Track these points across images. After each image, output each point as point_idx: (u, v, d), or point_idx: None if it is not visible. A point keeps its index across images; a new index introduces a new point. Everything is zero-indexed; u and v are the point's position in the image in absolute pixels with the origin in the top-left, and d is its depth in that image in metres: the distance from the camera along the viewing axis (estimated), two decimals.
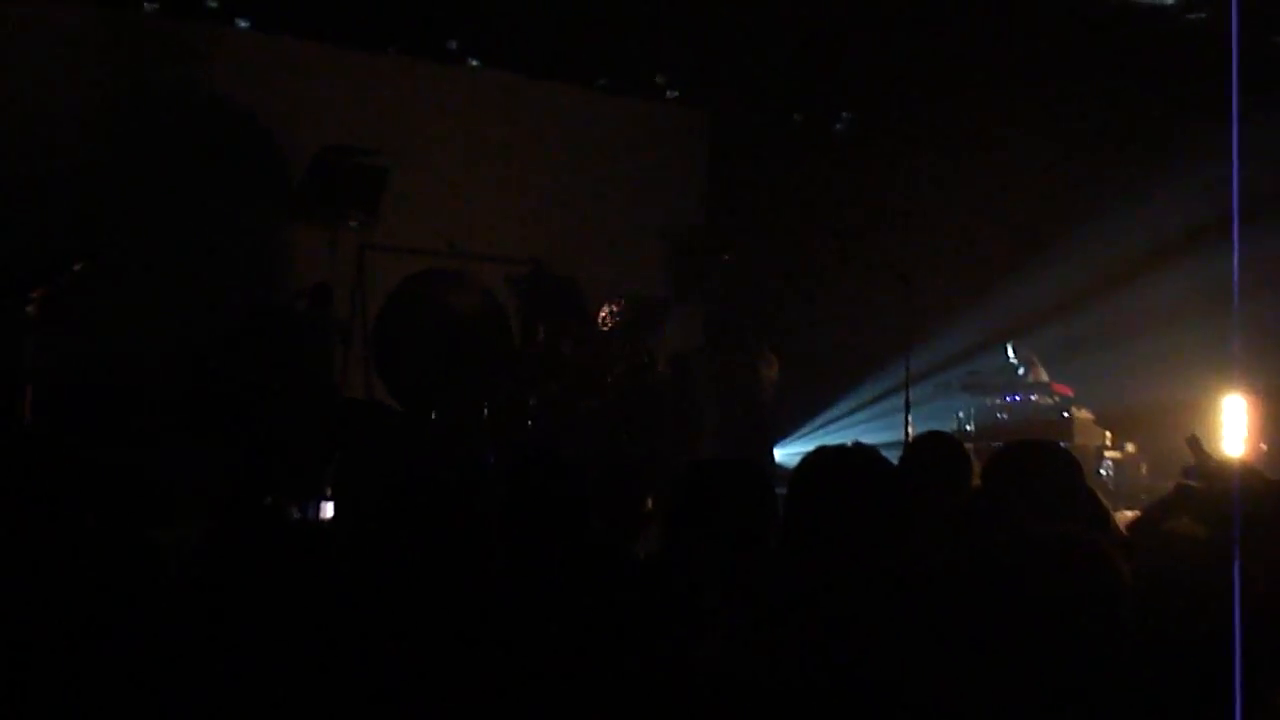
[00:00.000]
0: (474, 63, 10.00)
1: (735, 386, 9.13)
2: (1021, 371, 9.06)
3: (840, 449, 2.80)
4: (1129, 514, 4.15)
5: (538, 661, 2.32)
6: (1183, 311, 8.24)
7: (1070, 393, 8.83)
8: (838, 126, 10.72)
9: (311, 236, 9.04)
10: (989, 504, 3.26)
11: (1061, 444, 3.67)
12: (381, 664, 2.24)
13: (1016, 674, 2.13)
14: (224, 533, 2.39)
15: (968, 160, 9.77)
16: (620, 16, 8.99)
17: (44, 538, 2.49)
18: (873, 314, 9.39)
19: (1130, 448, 8.78)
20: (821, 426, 10.16)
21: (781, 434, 9.90)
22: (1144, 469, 8.65)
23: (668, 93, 10.66)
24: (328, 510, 6.93)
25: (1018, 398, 8.87)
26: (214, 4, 8.88)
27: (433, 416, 8.40)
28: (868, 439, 2.87)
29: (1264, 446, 7.79)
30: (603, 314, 9.02)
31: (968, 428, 8.85)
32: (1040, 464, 3.33)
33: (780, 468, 8.97)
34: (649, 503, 3.93)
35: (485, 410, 8.37)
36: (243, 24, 9.09)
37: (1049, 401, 8.82)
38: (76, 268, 6.82)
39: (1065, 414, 8.64)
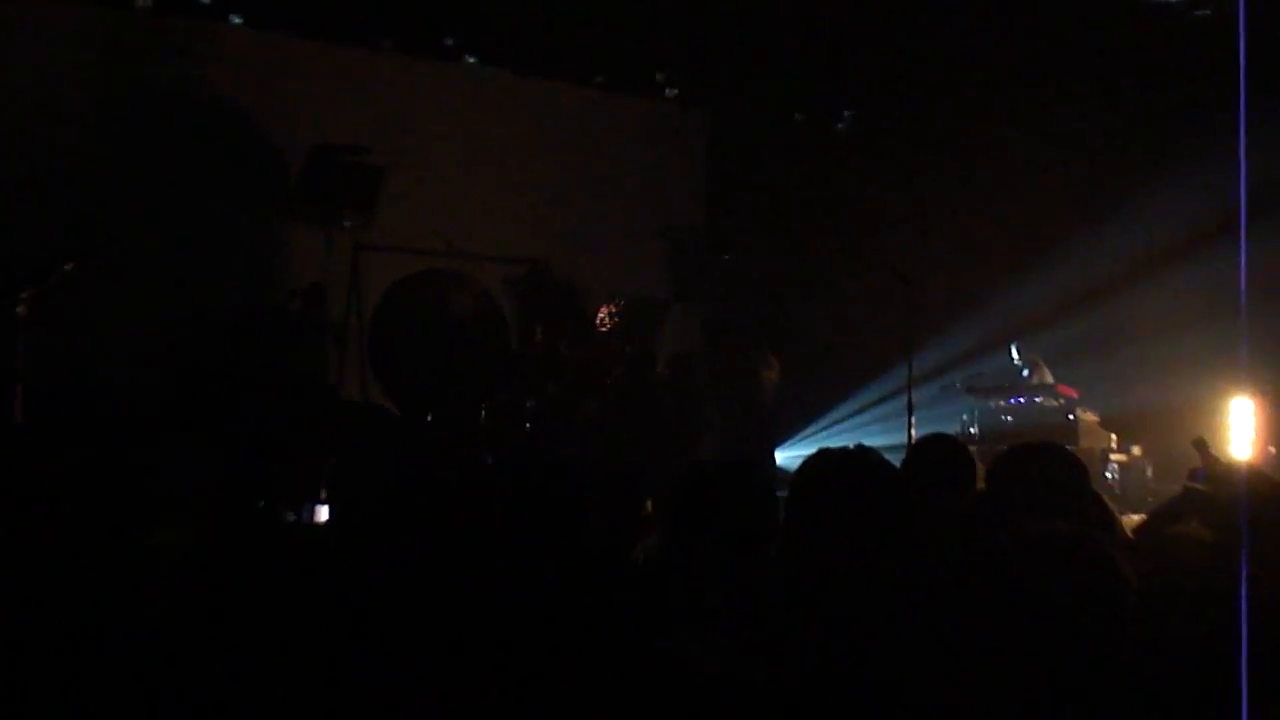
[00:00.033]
0: (471, 60, 10.00)
1: (735, 388, 9.14)
2: (1026, 373, 9.06)
3: (842, 452, 2.80)
4: (1135, 518, 4.15)
5: (536, 666, 2.33)
6: (1190, 312, 8.25)
7: (1075, 395, 8.84)
8: (839, 126, 10.73)
9: (306, 236, 9.04)
10: (993, 507, 3.27)
11: (1066, 447, 3.67)
12: (377, 668, 2.24)
13: (1018, 675, 2.14)
14: (218, 536, 2.40)
15: (972, 160, 9.77)
16: (619, 13, 8.99)
17: (36, 540, 2.49)
18: (875, 315, 9.40)
19: (1136, 451, 8.79)
20: (823, 429, 10.16)
21: (783, 436, 9.91)
22: (1150, 472, 8.65)
23: (667, 91, 10.66)
24: (322, 514, 6.93)
25: (1022, 400, 8.88)
26: (207, 0, 8.88)
27: (429, 419, 8.40)
28: (870, 442, 2.87)
29: (1272, 449, 7.79)
30: (601, 315, 9.03)
31: (971, 430, 8.85)
32: (1045, 467, 3.33)
33: (781, 471, 8.98)
34: (648, 506, 3.93)
35: (482, 413, 8.37)
36: (236, 20, 9.09)
37: (1054, 404, 8.83)
38: (68, 267, 6.82)
39: (1070, 416, 8.64)
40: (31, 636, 2.16)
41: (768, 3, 8.91)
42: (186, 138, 8.84)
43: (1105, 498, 3.49)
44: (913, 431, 7.69)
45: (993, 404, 8.98)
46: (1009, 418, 8.86)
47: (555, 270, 9.47)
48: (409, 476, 3.26)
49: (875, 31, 9.13)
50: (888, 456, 2.88)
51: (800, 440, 10.07)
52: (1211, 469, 3.77)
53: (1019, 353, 9.14)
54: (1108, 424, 8.78)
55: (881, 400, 9.64)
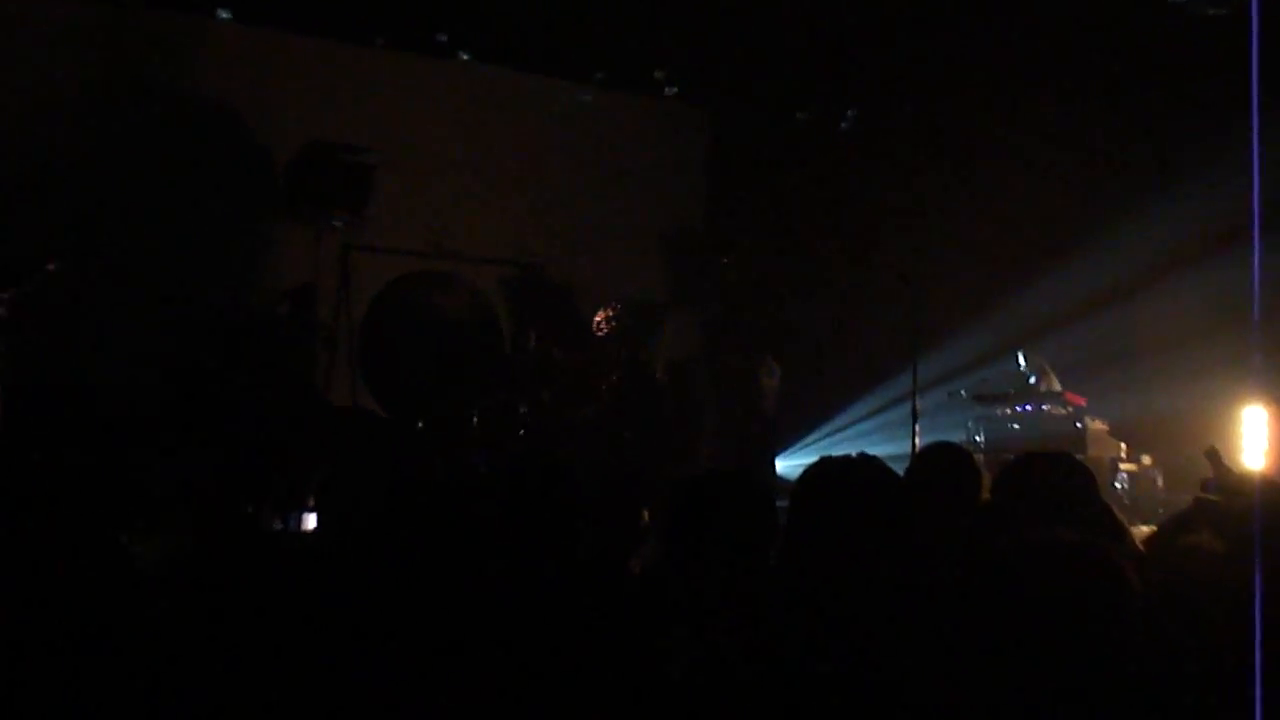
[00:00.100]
0: (465, 56, 10.01)
1: (735, 394, 9.14)
2: (1033, 380, 9.07)
3: (845, 460, 2.80)
4: (1145, 529, 4.16)
5: (530, 678, 2.33)
6: (1202, 318, 8.25)
7: (1084, 402, 8.84)
8: (843, 125, 10.73)
9: (295, 236, 9.04)
10: (999, 517, 3.27)
11: (1075, 456, 3.67)
12: (367, 680, 2.24)
13: (1021, 682, 2.14)
14: (203, 544, 2.39)
15: (978, 162, 9.78)
16: (618, 8, 9.00)
17: (15, 546, 2.49)
18: (879, 320, 9.40)
19: (1146, 460, 8.79)
20: (825, 437, 10.16)
21: (783, 444, 9.91)
22: (1160, 482, 8.65)
23: (667, 88, 10.66)
24: (310, 521, 6.93)
25: (1029, 408, 8.88)
26: None
27: (420, 424, 8.40)
28: (874, 450, 2.87)
29: None
30: (597, 319, 9.03)
31: (977, 438, 8.85)
32: (1053, 476, 3.33)
33: (782, 479, 8.98)
34: (645, 515, 3.93)
35: (475, 418, 8.37)
36: (224, 15, 9.09)
37: (1062, 412, 8.83)
38: (49, 268, 6.82)
39: (1079, 424, 8.64)
40: (12, 645, 2.16)
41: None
42: (173, 135, 8.83)
43: (1114, 508, 3.49)
44: (917, 440, 7.69)
45: (999, 412, 8.98)
46: (1015, 426, 8.86)
47: (551, 272, 9.47)
48: (399, 483, 3.26)
49: (880, 28, 9.15)
50: (891, 466, 2.88)
51: (801, 448, 10.07)
52: (1224, 479, 3.78)
53: (1026, 359, 9.14)
54: (1117, 432, 8.78)
55: (885, 407, 9.64)
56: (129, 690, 2.14)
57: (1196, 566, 2.65)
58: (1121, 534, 3.30)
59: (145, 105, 8.85)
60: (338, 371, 8.86)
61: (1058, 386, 9.00)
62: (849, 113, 10.62)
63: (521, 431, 8.28)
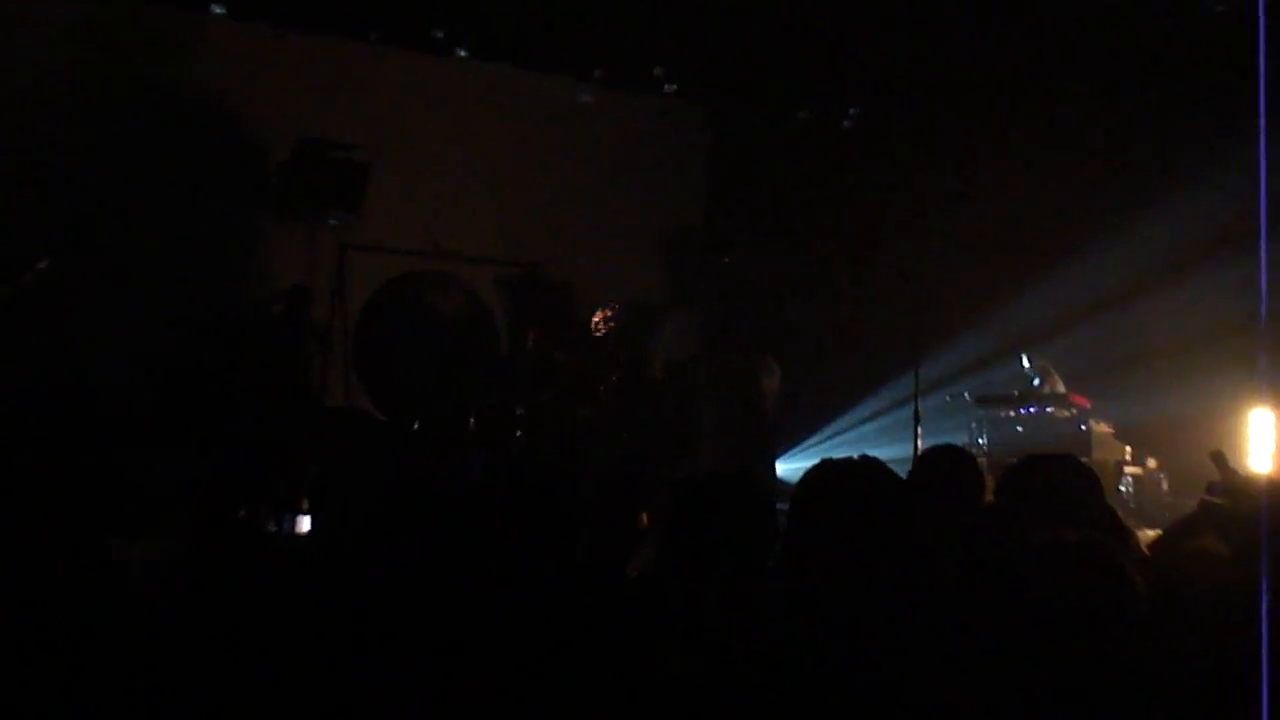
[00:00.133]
0: (462, 53, 10.01)
1: (735, 395, 9.14)
2: (1037, 382, 9.07)
3: (846, 462, 2.80)
4: (1150, 533, 4.16)
5: (526, 682, 2.33)
6: (1208, 319, 8.25)
7: (1088, 404, 8.84)
8: (845, 123, 10.73)
9: (289, 235, 9.04)
10: (1002, 521, 3.27)
11: (1079, 459, 3.67)
12: (361, 682, 2.24)
13: (1024, 684, 2.14)
14: (196, 547, 2.39)
15: (982, 161, 9.78)
16: (616, 5, 9.00)
17: (3, 550, 2.49)
18: (880, 320, 9.40)
19: (1152, 463, 8.79)
20: (827, 439, 10.16)
21: (784, 446, 9.91)
22: (1166, 485, 8.66)
23: (666, 86, 10.67)
24: (304, 524, 6.92)
25: (1033, 410, 8.88)
26: None
27: (416, 426, 8.40)
28: (875, 453, 2.86)
29: None
30: (595, 319, 9.03)
31: (980, 441, 8.86)
32: (1057, 479, 3.33)
33: (782, 482, 8.98)
34: (644, 518, 3.93)
35: (471, 420, 8.37)
36: (218, 10, 9.09)
37: (1066, 414, 8.83)
38: (40, 266, 6.82)
39: (1083, 427, 8.65)
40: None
41: None
42: (165, 132, 8.83)
43: (1119, 512, 3.49)
44: (919, 442, 7.69)
45: (1002, 414, 8.98)
46: (1019, 428, 8.87)
47: (549, 271, 9.47)
48: (394, 485, 3.26)
49: (883, 25, 9.14)
50: (893, 468, 2.88)
51: (802, 451, 10.07)
52: (1230, 482, 3.77)
53: (1030, 361, 9.14)
54: (1122, 435, 8.78)
55: (887, 409, 9.64)
56: (121, 693, 2.14)
57: (1202, 571, 2.65)
58: (1126, 538, 3.29)
59: (137, 102, 8.86)
60: (332, 372, 8.86)
61: (1062, 388, 9.00)
62: (851, 111, 10.63)
63: (519, 433, 8.29)
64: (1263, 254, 2.60)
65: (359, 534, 2.99)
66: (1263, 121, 2.60)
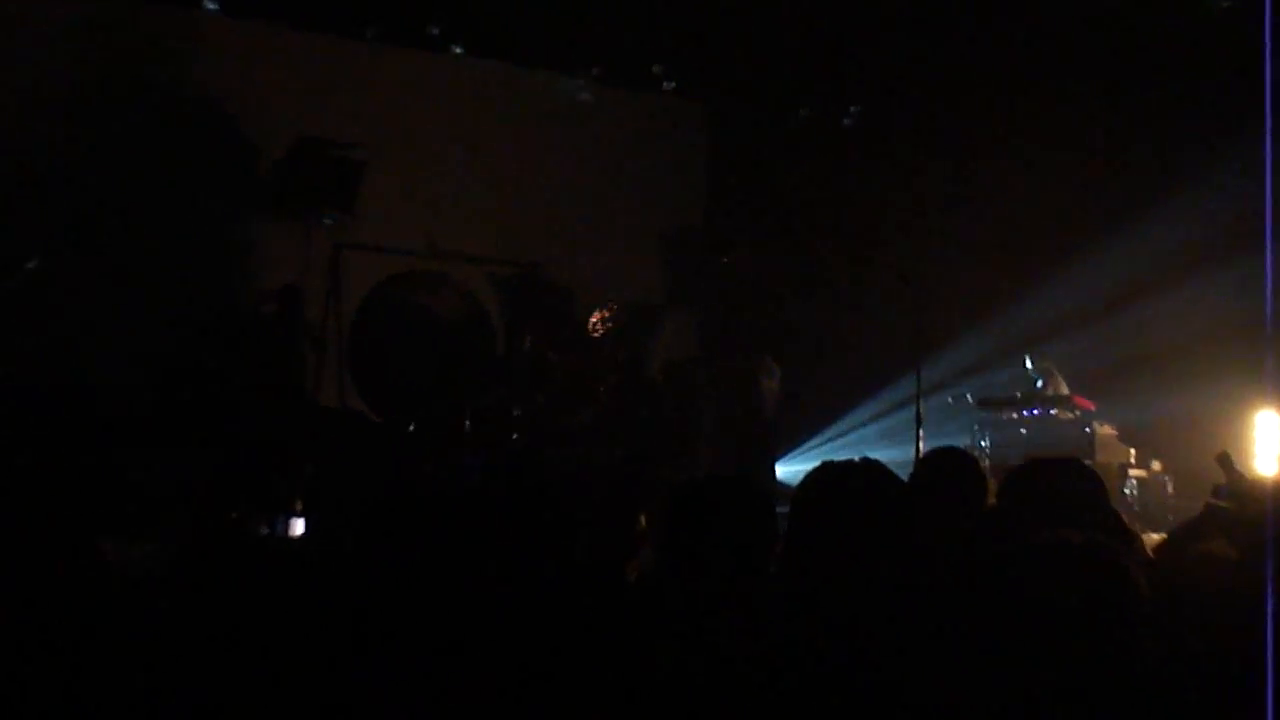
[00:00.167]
0: (458, 50, 10.01)
1: (734, 396, 9.14)
2: (1040, 384, 9.07)
3: (847, 464, 2.80)
4: (1155, 536, 4.16)
5: (525, 685, 2.33)
6: (1213, 320, 8.26)
7: (1092, 406, 8.84)
8: (846, 122, 10.74)
9: (283, 234, 9.04)
10: (1005, 523, 3.27)
11: (1083, 461, 3.67)
12: (357, 685, 2.24)
13: (1026, 686, 2.14)
14: (189, 549, 2.39)
15: (984, 161, 9.79)
16: (614, 1, 9.00)
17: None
18: (881, 321, 9.40)
19: (1157, 466, 8.79)
20: (827, 441, 10.16)
21: (783, 449, 9.91)
22: (1171, 488, 8.66)
23: (665, 84, 10.67)
24: (297, 527, 6.92)
25: (1036, 412, 8.89)
26: None
27: (411, 427, 8.40)
28: (877, 455, 2.86)
29: None
30: (593, 320, 9.03)
31: (983, 443, 8.86)
32: (1060, 482, 3.34)
33: (782, 485, 8.98)
34: (642, 521, 3.93)
35: (467, 421, 8.37)
36: (211, 6, 9.09)
37: (1069, 416, 8.83)
38: (30, 265, 6.81)
39: (1087, 429, 8.65)
40: None
41: None
42: (158, 130, 8.82)
43: (1124, 515, 3.49)
44: (921, 445, 7.69)
45: (1005, 416, 8.99)
46: (1022, 431, 8.87)
47: (546, 272, 9.47)
48: (389, 488, 3.26)
49: (883, 25, 9.15)
50: (895, 471, 2.88)
51: (803, 453, 10.07)
52: (1235, 485, 3.78)
53: (1033, 362, 9.14)
54: (1126, 438, 8.78)
55: (888, 411, 9.64)
56: (117, 694, 2.14)
57: (1208, 574, 2.65)
58: (1131, 541, 3.30)
59: (131, 100, 8.85)
60: (326, 373, 8.86)
61: (1065, 390, 9.00)
62: (851, 109, 10.63)
63: (515, 435, 8.29)
64: (1268, 255, 2.60)
65: (353, 536, 2.99)
66: (1269, 121, 2.60)
